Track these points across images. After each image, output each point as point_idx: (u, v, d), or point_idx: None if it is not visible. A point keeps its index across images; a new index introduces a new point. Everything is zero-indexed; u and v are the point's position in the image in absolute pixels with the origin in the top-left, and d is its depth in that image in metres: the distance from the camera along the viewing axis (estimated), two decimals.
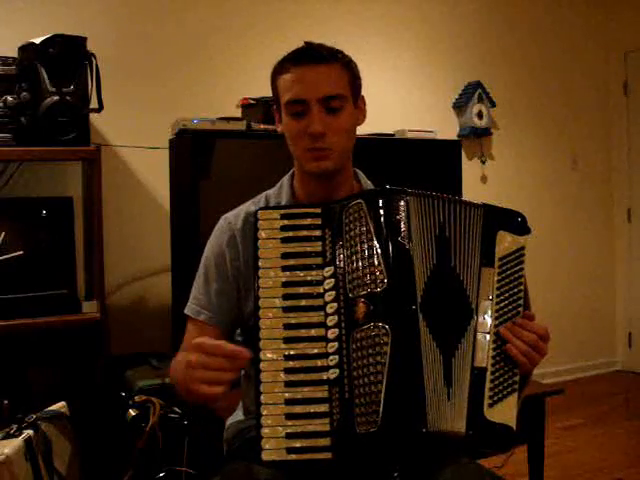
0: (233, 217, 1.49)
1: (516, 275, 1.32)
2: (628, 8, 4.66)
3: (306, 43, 1.43)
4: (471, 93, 4.07)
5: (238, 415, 1.56)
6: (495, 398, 1.25)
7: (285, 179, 1.53)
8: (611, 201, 4.83)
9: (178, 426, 2.20)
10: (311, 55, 1.39)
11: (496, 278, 1.31)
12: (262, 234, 1.30)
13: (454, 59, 4.15)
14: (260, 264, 1.29)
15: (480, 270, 1.30)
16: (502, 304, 1.30)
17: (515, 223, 1.36)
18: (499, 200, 1.45)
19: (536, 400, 2.53)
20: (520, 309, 1.31)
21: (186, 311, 1.50)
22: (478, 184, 4.20)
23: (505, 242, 1.33)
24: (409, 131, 3.38)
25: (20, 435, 1.86)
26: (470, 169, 4.10)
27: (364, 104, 1.48)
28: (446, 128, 3.95)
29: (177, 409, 2.24)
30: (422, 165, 3.23)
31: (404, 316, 1.22)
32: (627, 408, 4.06)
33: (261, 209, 1.34)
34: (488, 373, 1.26)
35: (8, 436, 1.86)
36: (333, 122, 1.37)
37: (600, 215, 4.79)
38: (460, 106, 4.12)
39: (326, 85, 1.37)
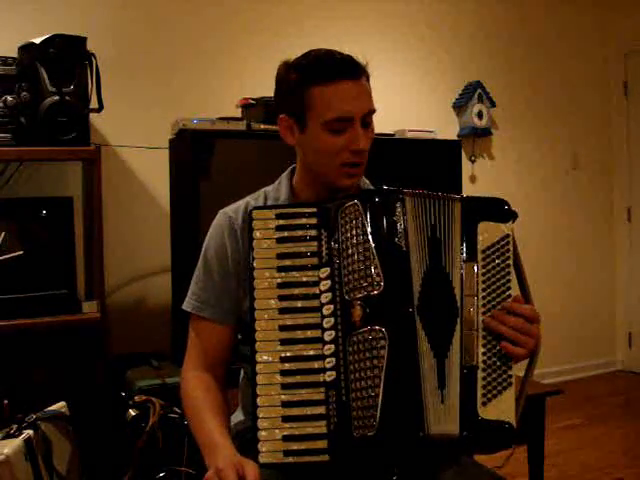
0: (233, 212, 1.47)
1: (502, 265, 1.29)
2: (628, 8, 4.66)
3: (342, 55, 1.37)
4: (471, 93, 4.07)
5: (238, 416, 1.56)
6: (489, 396, 1.23)
7: (284, 176, 1.51)
8: (611, 201, 4.83)
9: (178, 426, 2.20)
10: (352, 69, 1.35)
11: (480, 272, 1.28)
12: (257, 234, 1.29)
13: (454, 59, 4.15)
14: (255, 264, 1.28)
15: (462, 266, 1.28)
16: (489, 297, 1.28)
17: (497, 211, 1.32)
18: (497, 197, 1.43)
19: (536, 400, 2.53)
20: (509, 300, 1.28)
21: (186, 307, 1.47)
22: (478, 184, 4.19)
23: (487, 232, 1.30)
24: (409, 131, 3.38)
25: (20, 435, 1.86)
26: (470, 169, 4.10)
27: None
28: (446, 128, 3.95)
29: (177, 409, 2.24)
30: (422, 165, 3.23)
31: (401, 319, 1.21)
32: (627, 408, 4.06)
33: (255, 208, 1.33)
34: (479, 371, 1.24)
35: (8, 436, 1.86)
36: (367, 137, 1.37)
37: (600, 215, 4.78)
38: (460, 106, 4.12)
39: (368, 101, 1.36)
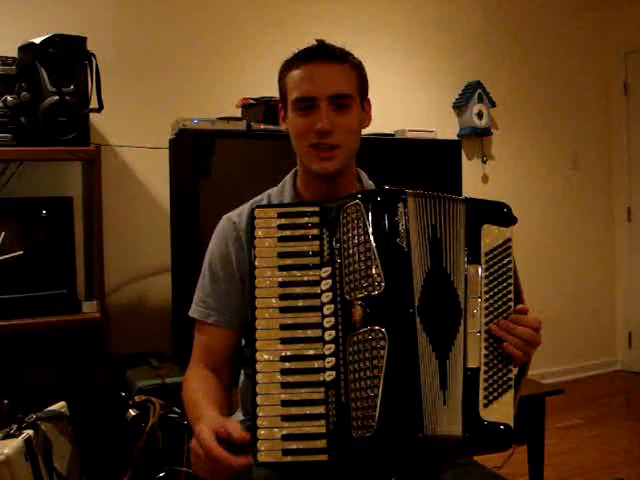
0: (236, 216, 1.48)
1: (504, 269, 1.30)
2: (628, 8, 4.66)
3: (318, 41, 1.42)
4: (471, 93, 4.07)
5: (238, 415, 1.56)
6: (490, 397, 1.23)
7: (288, 178, 1.52)
8: (611, 201, 4.83)
9: (178, 426, 2.20)
10: (323, 53, 1.39)
11: (484, 274, 1.28)
12: (259, 233, 1.29)
13: (454, 59, 4.15)
14: (256, 263, 1.28)
15: (467, 268, 1.28)
16: (491, 300, 1.28)
17: (500, 214, 1.33)
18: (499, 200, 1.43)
19: (536, 400, 2.53)
20: (511, 303, 1.29)
21: (192, 314, 1.48)
22: (478, 184, 4.20)
23: (490, 236, 1.30)
24: (409, 131, 3.38)
25: (20, 435, 1.86)
26: (470, 169, 4.10)
27: (370, 107, 1.49)
28: (446, 128, 3.95)
29: (177, 409, 2.24)
30: (422, 165, 3.23)
31: (401, 320, 1.20)
32: (627, 408, 4.06)
33: (258, 207, 1.32)
34: (481, 373, 1.24)
35: (8, 436, 1.86)
36: (341, 120, 1.37)
37: (600, 215, 4.79)
38: (460, 106, 4.12)
39: (336, 83, 1.37)
